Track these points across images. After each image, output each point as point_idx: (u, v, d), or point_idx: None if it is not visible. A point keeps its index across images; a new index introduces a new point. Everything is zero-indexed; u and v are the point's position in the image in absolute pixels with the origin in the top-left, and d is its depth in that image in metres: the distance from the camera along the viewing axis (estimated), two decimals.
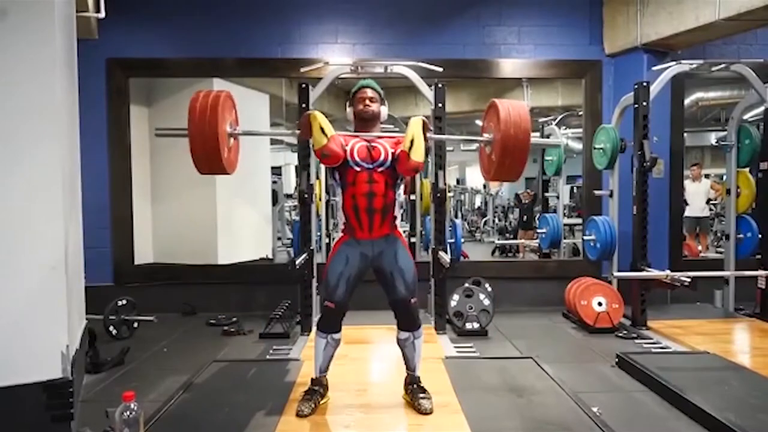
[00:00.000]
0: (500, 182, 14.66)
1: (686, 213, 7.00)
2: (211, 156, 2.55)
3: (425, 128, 2.57)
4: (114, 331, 4.19)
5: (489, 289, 4.82)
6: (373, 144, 2.63)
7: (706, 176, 8.38)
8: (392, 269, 2.64)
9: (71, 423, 2.42)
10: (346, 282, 2.61)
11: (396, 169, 2.62)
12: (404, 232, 6.37)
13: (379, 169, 2.61)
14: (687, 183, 7.44)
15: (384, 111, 2.74)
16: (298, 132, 2.68)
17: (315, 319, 4.42)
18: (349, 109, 2.74)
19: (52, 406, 2.36)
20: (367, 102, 2.68)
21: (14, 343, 2.34)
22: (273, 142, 8.62)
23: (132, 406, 1.94)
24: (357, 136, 2.67)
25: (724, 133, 5.12)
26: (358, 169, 2.60)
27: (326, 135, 2.48)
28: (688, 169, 7.58)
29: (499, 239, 9.46)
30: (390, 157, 2.61)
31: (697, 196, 7.66)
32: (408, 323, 2.69)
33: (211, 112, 2.50)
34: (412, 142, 2.51)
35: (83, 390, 3.10)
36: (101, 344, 3.68)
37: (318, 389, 2.72)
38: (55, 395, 2.37)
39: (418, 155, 2.52)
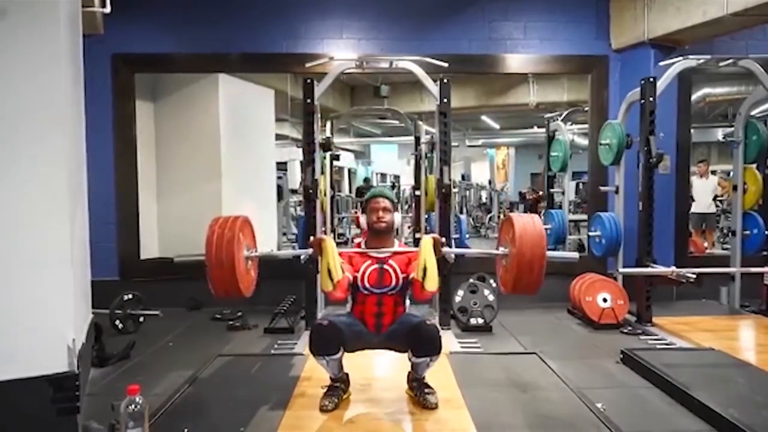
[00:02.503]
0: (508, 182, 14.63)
1: (692, 209, 6.97)
2: (228, 288, 2.59)
3: (437, 248, 2.54)
4: (120, 326, 4.21)
5: (493, 284, 4.81)
6: (384, 267, 2.63)
7: (713, 173, 8.34)
8: (401, 322, 2.64)
9: (77, 416, 2.43)
10: (350, 324, 2.60)
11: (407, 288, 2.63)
12: (409, 227, 6.38)
13: (390, 293, 2.63)
14: (694, 179, 7.40)
15: (398, 219, 2.74)
16: (310, 251, 2.65)
17: (320, 314, 4.44)
18: (362, 218, 2.77)
19: (58, 400, 2.37)
20: (380, 214, 2.66)
21: (21, 337, 2.35)
22: (278, 137, 8.63)
23: (137, 399, 1.95)
24: (368, 256, 2.66)
25: (732, 129, 5.09)
26: (366, 293, 2.63)
27: (332, 280, 2.45)
28: (695, 166, 7.54)
29: None
30: (401, 282, 2.62)
31: (704, 192, 7.62)
32: (431, 349, 2.54)
33: (227, 249, 2.52)
34: (425, 270, 2.48)
35: (89, 384, 3.11)
36: (107, 338, 3.70)
37: (339, 385, 2.73)
38: (61, 388, 2.37)
39: (431, 285, 2.49)
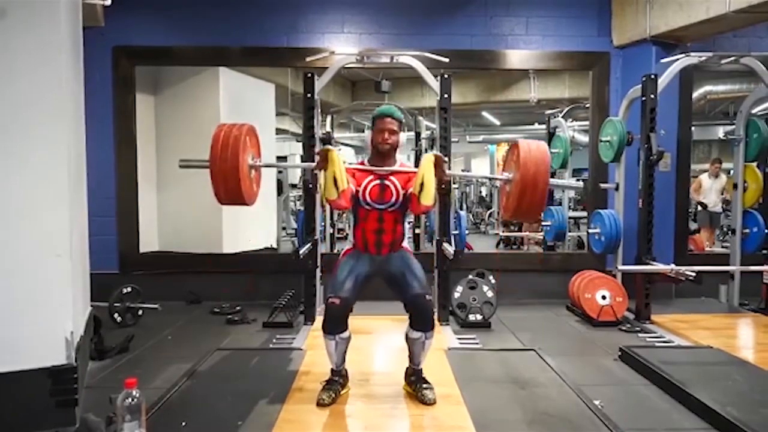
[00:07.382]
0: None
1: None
2: (231, 190, 2.63)
3: (438, 165, 2.54)
4: (119, 319, 4.22)
5: (493, 281, 4.82)
6: (385, 182, 2.66)
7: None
8: (403, 269, 2.67)
9: (75, 408, 2.43)
10: (355, 279, 2.64)
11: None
12: (409, 223, 6.39)
13: (390, 210, 2.66)
14: (704, 178, 7.42)
15: (403, 138, 2.75)
16: (314, 165, 2.67)
17: (318, 309, 4.44)
18: (367, 132, 2.76)
19: (56, 392, 2.38)
20: (386, 135, 2.67)
21: (19, 329, 2.36)
22: (278, 131, 8.62)
23: (134, 393, 1.95)
24: (371, 172, 2.68)
25: (732, 126, 5.08)
26: (368, 208, 2.66)
27: (338, 188, 2.48)
28: (711, 165, 7.57)
29: (503, 231, 9.43)
30: (401, 198, 2.65)
31: (713, 191, 7.63)
32: (423, 323, 2.63)
33: (232, 149, 2.54)
34: (422, 185, 2.49)
35: (88, 376, 3.12)
36: (106, 331, 3.71)
37: (338, 379, 2.73)
38: (59, 381, 2.38)
39: (427, 199, 2.51)
